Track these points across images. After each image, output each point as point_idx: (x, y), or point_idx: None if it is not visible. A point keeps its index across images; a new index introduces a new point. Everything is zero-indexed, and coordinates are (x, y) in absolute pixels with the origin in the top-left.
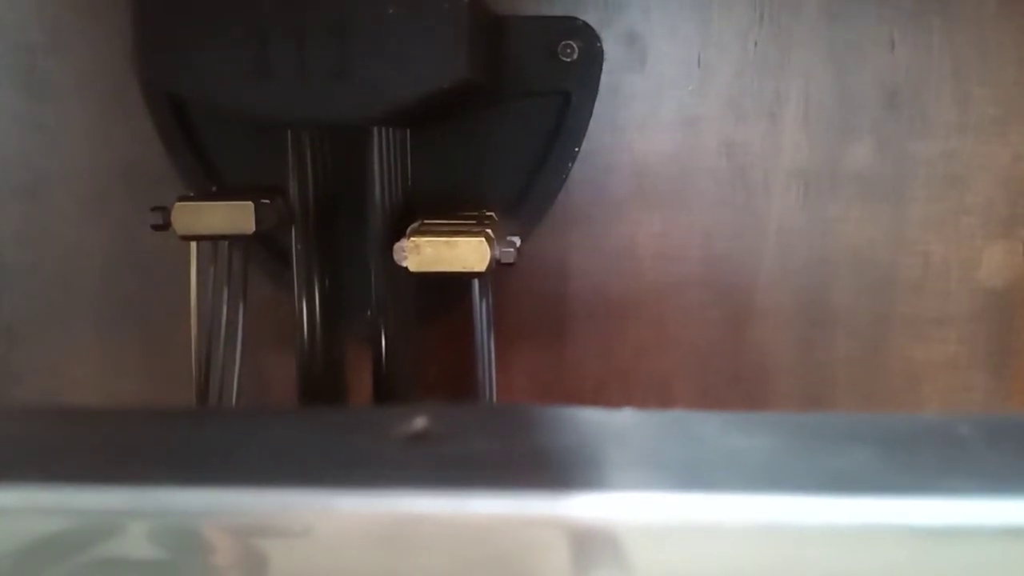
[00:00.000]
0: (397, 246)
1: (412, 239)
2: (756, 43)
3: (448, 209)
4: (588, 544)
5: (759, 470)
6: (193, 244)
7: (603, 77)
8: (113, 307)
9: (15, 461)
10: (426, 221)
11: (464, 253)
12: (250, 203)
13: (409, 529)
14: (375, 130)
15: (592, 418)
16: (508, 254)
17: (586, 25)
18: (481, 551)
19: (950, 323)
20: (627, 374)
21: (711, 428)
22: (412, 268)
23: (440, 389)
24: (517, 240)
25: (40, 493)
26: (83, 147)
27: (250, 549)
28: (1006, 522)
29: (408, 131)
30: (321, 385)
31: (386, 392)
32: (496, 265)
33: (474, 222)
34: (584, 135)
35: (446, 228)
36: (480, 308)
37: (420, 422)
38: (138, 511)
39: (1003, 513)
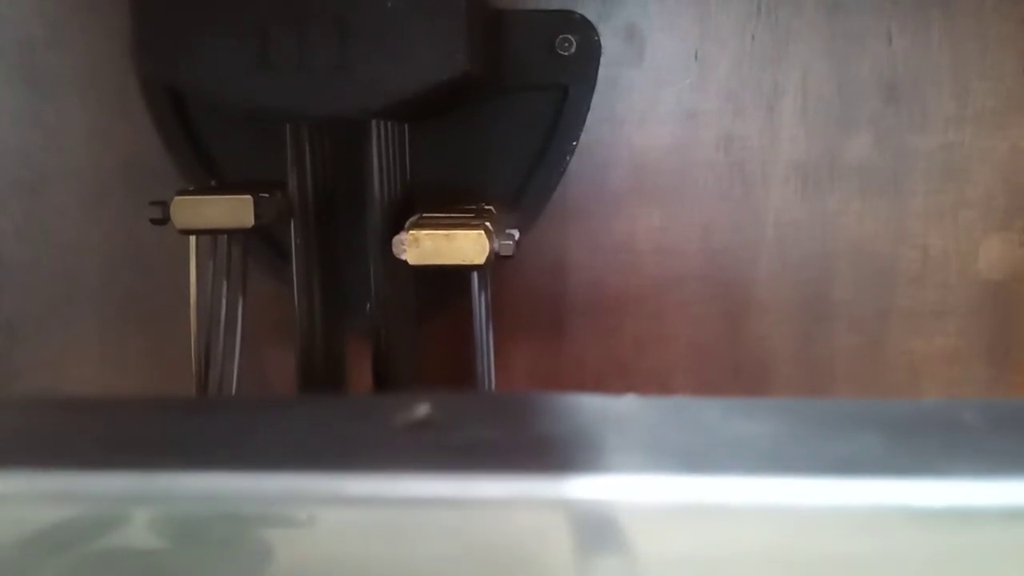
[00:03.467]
0: (396, 239)
1: (411, 232)
2: (754, 36)
3: (447, 203)
4: (590, 526)
5: (762, 453)
6: (192, 238)
7: (601, 71)
8: (114, 303)
9: (16, 449)
10: (424, 215)
11: (463, 246)
12: (249, 197)
13: (412, 514)
14: (374, 124)
15: (594, 404)
16: (507, 247)
17: (584, 19)
18: (484, 534)
19: (950, 316)
20: (626, 368)
21: (713, 413)
22: (411, 261)
23: (440, 383)
24: (516, 233)
25: (42, 480)
26: (83, 143)
27: (254, 535)
28: (1009, 503)
29: (407, 125)
30: (321, 379)
31: (386, 386)
32: (495, 258)
33: (472, 215)
34: (582, 129)
35: (445, 221)
36: (479, 301)
37: (422, 409)
38: (141, 498)
39: (1006, 494)
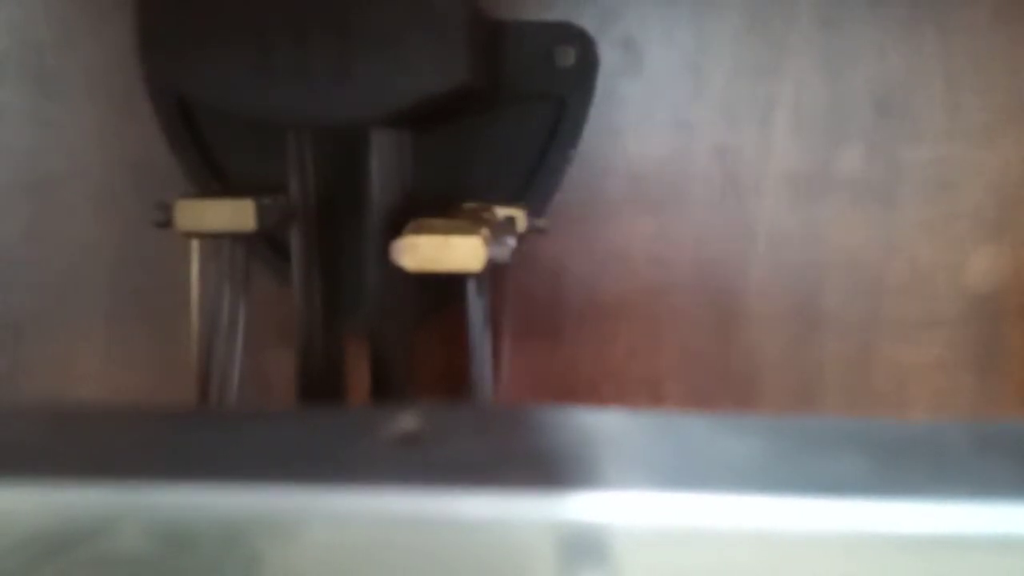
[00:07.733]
0: (395, 245)
1: (409, 238)
2: (749, 49)
3: (447, 207)
4: (578, 545)
5: (748, 472)
6: (195, 241)
7: (599, 82)
8: (121, 303)
9: (5, 459)
10: (424, 220)
11: (460, 252)
12: (251, 201)
13: (396, 531)
14: (374, 132)
15: (582, 419)
16: (503, 253)
17: (582, 31)
18: (469, 553)
19: (938, 327)
20: (619, 375)
21: (701, 430)
22: (409, 267)
23: (439, 385)
24: (512, 242)
25: (30, 491)
26: (92, 144)
27: (240, 548)
28: (996, 529)
29: (407, 133)
30: (320, 381)
31: (384, 390)
32: (492, 265)
33: (470, 220)
34: (579, 139)
35: (443, 226)
36: (475, 308)
37: (410, 423)
38: (128, 509)
39: (993, 519)
